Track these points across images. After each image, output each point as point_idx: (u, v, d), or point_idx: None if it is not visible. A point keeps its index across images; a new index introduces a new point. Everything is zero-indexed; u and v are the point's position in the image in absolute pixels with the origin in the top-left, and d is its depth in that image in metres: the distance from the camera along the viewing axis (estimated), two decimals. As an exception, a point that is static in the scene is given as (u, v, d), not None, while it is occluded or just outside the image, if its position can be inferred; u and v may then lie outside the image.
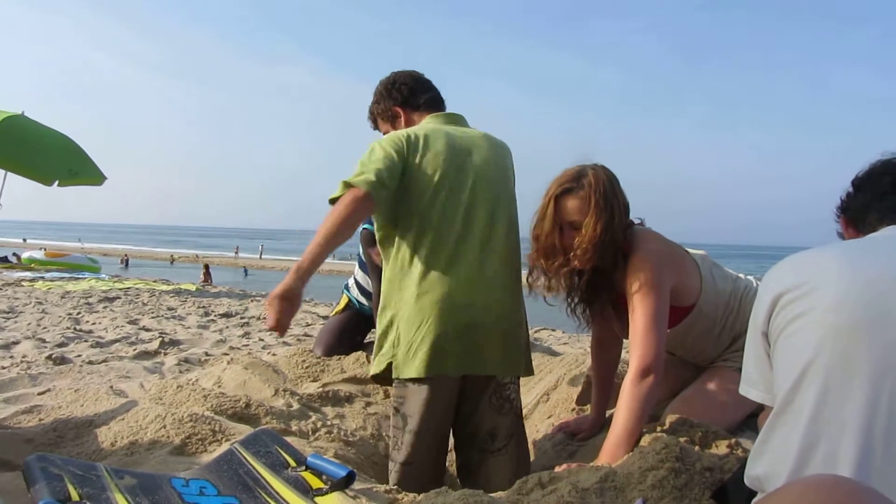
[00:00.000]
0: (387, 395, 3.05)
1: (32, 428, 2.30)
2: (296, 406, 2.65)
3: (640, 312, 1.91)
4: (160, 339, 4.72)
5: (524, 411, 2.86)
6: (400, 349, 2.09)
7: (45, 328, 5.09)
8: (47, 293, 7.55)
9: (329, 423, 2.59)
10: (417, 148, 2.16)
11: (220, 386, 2.87)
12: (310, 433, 2.44)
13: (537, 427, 2.71)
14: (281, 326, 1.96)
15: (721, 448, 1.76)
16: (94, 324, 5.52)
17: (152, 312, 6.42)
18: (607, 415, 2.44)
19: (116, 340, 4.70)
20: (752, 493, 1.22)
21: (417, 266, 2.10)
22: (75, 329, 5.11)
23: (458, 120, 2.39)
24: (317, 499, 1.69)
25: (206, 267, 27.02)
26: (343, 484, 1.71)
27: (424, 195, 2.12)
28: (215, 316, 6.42)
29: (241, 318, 6.43)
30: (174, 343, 4.73)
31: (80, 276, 10.84)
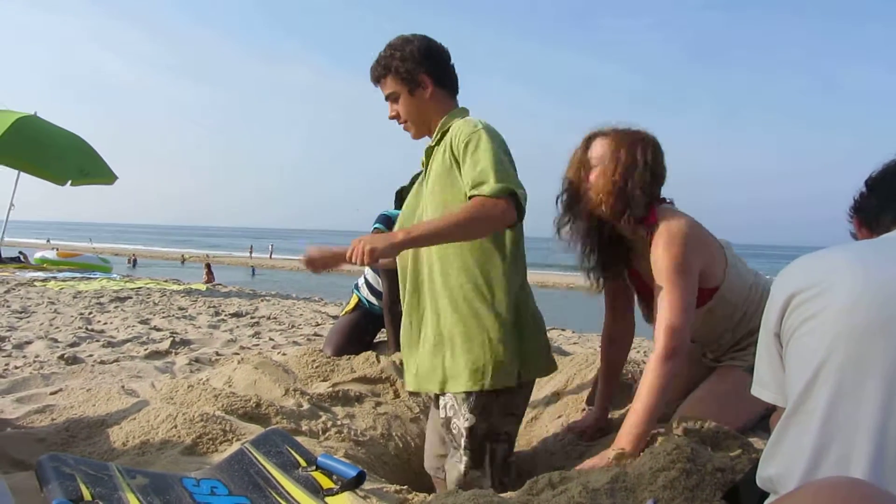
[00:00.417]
0: (396, 396, 3.06)
1: (45, 427, 2.31)
2: (306, 406, 2.66)
3: (667, 293, 1.89)
4: (171, 338, 4.74)
5: (534, 411, 2.86)
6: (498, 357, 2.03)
7: (57, 328, 5.12)
8: (59, 293, 7.59)
9: (339, 422, 2.59)
10: (509, 152, 2.08)
11: (230, 386, 2.88)
12: (320, 433, 2.45)
13: (547, 427, 2.70)
14: (319, 264, 2.12)
15: (733, 449, 1.75)
16: (105, 323, 5.55)
17: (163, 312, 6.45)
18: (617, 415, 2.43)
19: (128, 340, 4.72)
20: (765, 495, 1.21)
21: (520, 282, 2.13)
22: (87, 329, 5.14)
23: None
24: (327, 499, 1.70)
25: (209, 266, 27.10)
26: (353, 484, 1.71)
27: None
28: (226, 315, 6.44)
29: (252, 317, 6.45)
30: (185, 343, 4.75)
31: (92, 275, 10.90)
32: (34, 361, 3.79)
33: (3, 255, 11.92)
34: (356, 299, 3.80)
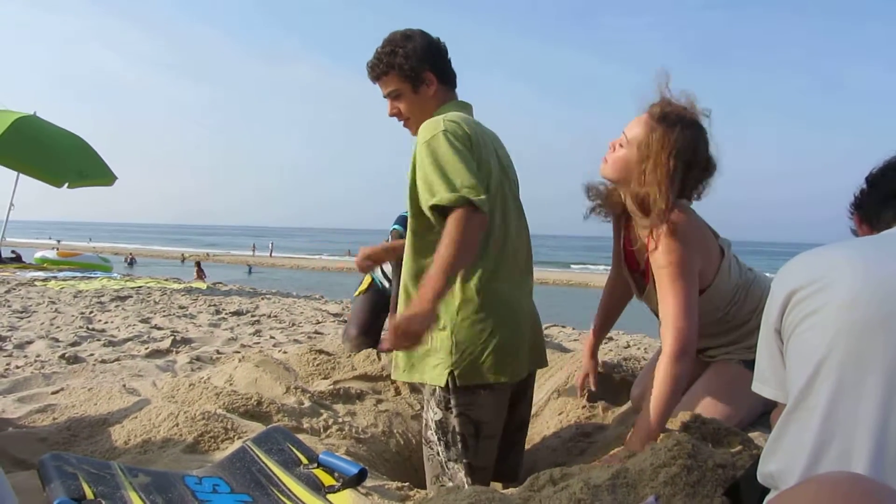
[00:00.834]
0: (397, 393, 3.06)
1: (46, 427, 2.32)
2: (307, 403, 2.66)
3: (672, 293, 1.89)
4: (172, 337, 4.74)
5: (535, 408, 2.86)
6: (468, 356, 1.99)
7: (58, 327, 5.13)
8: (60, 292, 7.59)
9: (340, 420, 2.60)
10: (478, 147, 2.02)
11: (231, 384, 2.89)
12: (321, 430, 2.45)
13: (547, 423, 2.70)
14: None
15: (733, 445, 1.75)
16: (106, 323, 5.56)
17: (164, 311, 6.46)
18: (617, 412, 2.43)
19: (129, 339, 4.73)
20: (765, 490, 1.22)
21: (482, 271, 2.02)
22: (88, 328, 5.14)
23: (470, 108, 2.25)
24: (329, 496, 1.70)
25: (198, 264, 27.04)
26: (355, 481, 1.72)
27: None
28: (226, 314, 6.45)
29: (252, 316, 6.46)
30: (186, 341, 4.75)
31: (93, 275, 10.90)
32: (35, 361, 3.80)
33: (2, 255, 11.92)
34: (369, 279, 3.79)
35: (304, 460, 1.87)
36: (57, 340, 4.52)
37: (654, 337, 5.36)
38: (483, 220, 1.85)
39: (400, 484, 1.94)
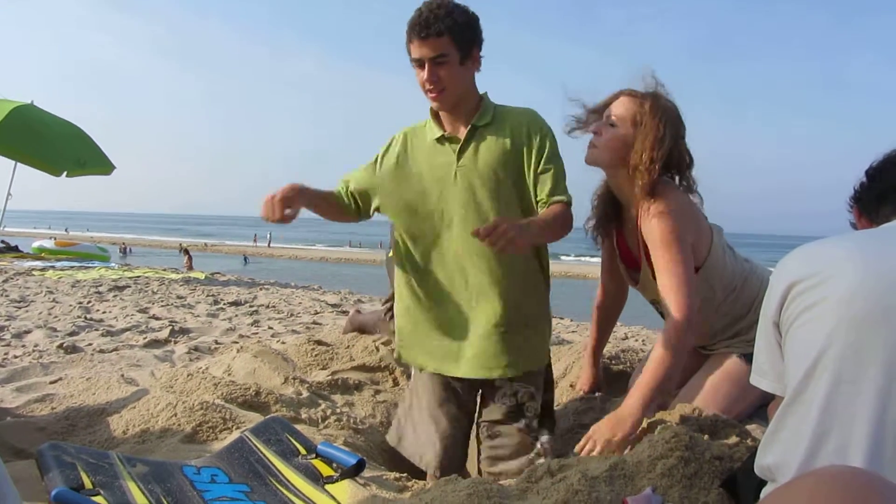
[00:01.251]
0: (395, 384, 3.06)
1: (45, 416, 2.32)
2: (305, 394, 2.67)
3: (668, 268, 1.90)
4: (170, 327, 4.75)
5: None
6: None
7: (56, 317, 5.13)
8: (58, 282, 7.59)
9: (338, 410, 2.60)
10: None
11: (230, 374, 2.89)
12: (319, 421, 2.46)
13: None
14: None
15: (731, 437, 1.76)
16: (104, 312, 5.56)
17: (162, 301, 6.46)
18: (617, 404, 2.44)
19: (127, 329, 4.73)
20: (762, 483, 1.22)
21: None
22: (86, 318, 5.14)
23: None
24: (327, 486, 1.71)
25: (188, 252, 26.78)
26: (353, 472, 1.72)
27: None
28: (224, 304, 6.45)
29: (251, 306, 6.46)
30: (184, 331, 4.75)
31: (90, 264, 10.90)
32: (33, 350, 3.80)
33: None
34: None
35: (303, 451, 1.87)
36: (55, 330, 4.52)
37: (652, 328, 5.37)
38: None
39: (398, 474, 1.94)
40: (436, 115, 2.16)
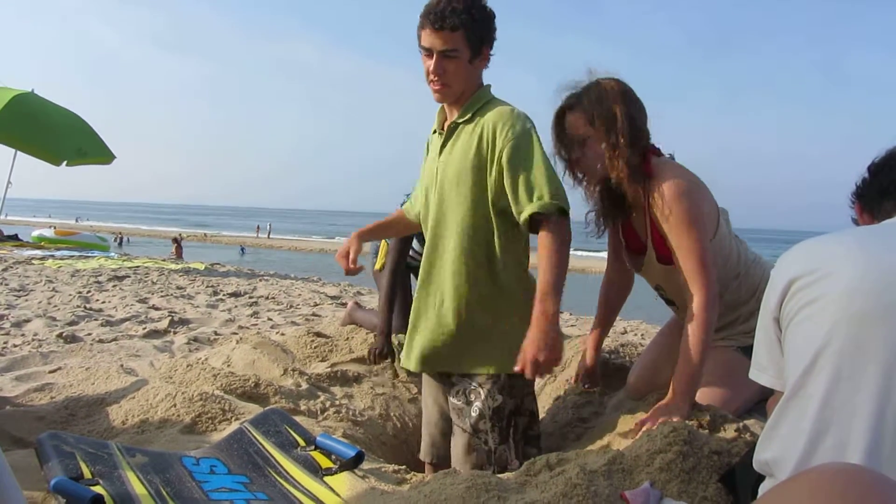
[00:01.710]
0: (395, 376, 3.06)
1: (44, 406, 2.32)
2: (304, 386, 2.67)
3: (688, 247, 1.91)
4: (170, 318, 4.75)
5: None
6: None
7: (55, 306, 5.13)
8: (57, 271, 7.59)
9: (337, 402, 2.60)
10: None
11: (229, 365, 2.89)
12: (318, 413, 2.46)
13: (544, 408, 2.71)
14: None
15: (729, 432, 1.76)
16: (103, 302, 5.56)
17: (161, 291, 6.45)
18: (614, 400, 2.44)
19: (126, 319, 4.73)
20: (761, 478, 1.22)
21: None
22: (85, 307, 5.15)
23: None
24: (326, 478, 1.71)
25: (176, 241, 26.55)
26: (352, 464, 1.72)
27: None
28: (224, 295, 6.45)
29: (250, 297, 6.46)
30: (183, 322, 4.75)
31: (90, 254, 10.89)
32: (33, 340, 3.80)
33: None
34: (387, 249, 3.51)
35: (302, 442, 1.87)
36: (54, 319, 4.52)
37: (651, 323, 5.37)
38: (570, 232, 1.96)
39: (397, 467, 1.94)
40: (440, 109, 2.15)
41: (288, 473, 1.74)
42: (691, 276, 1.90)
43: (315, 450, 1.82)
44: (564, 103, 2.04)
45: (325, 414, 2.47)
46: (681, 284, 1.98)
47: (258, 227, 59.57)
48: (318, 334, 3.47)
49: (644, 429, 1.79)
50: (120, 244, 36.85)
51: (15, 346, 3.62)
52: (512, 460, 2.04)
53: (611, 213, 2.17)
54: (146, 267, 8.78)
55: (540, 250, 1.94)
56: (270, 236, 55.31)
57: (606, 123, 1.95)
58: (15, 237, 12.65)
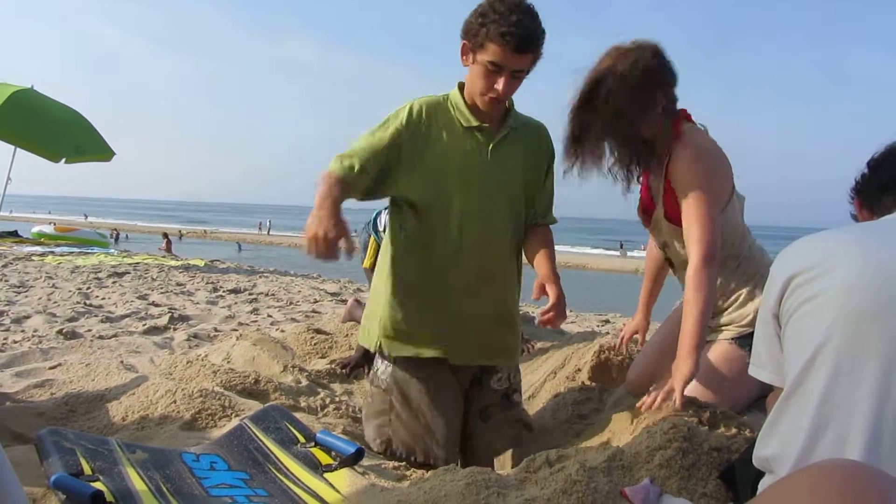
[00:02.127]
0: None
1: (44, 402, 2.32)
2: (304, 382, 2.67)
3: (694, 204, 1.95)
4: (169, 314, 4.75)
5: (531, 390, 2.88)
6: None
7: (55, 302, 5.13)
8: (57, 268, 7.59)
9: (337, 399, 2.61)
10: None
11: (229, 362, 2.89)
12: (318, 409, 2.46)
13: (544, 405, 2.72)
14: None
15: (729, 429, 1.76)
16: (103, 299, 5.56)
17: (161, 288, 6.45)
18: (612, 398, 2.45)
19: (126, 315, 4.73)
20: (760, 474, 1.22)
21: None
22: (85, 304, 5.15)
23: None
24: (326, 475, 1.71)
25: (166, 235, 26.35)
26: (352, 460, 1.72)
27: None
28: (224, 292, 6.45)
29: (250, 294, 6.46)
30: (183, 318, 4.75)
31: (90, 250, 10.88)
32: (33, 336, 3.80)
33: None
34: (376, 246, 3.46)
35: (302, 439, 1.87)
36: (54, 315, 4.52)
37: (651, 321, 5.38)
38: None
39: (396, 464, 1.95)
40: (469, 104, 2.10)
41: (288, 470, 1.74)
42: (694, 234, 1.94)
43: (315, 446, 1.83)
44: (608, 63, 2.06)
45: (325, 410, 2.47)
46: (682, 245, 2.05)
47: (260, 224, 59.60)
48: (318, 331, 3.47)
49: (654, 399, 1.87)
50: (116, 240, 36.70)
51: (15, 342, 3.62)
52: None
53: (645, 160, 2.18)
54: (146, 263, 8.78)
55: (545, 244, 2.18)
56: (270, 233, 55.31)
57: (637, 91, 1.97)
58: (14, 233, 12.65)
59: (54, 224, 16.90)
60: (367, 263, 3.54)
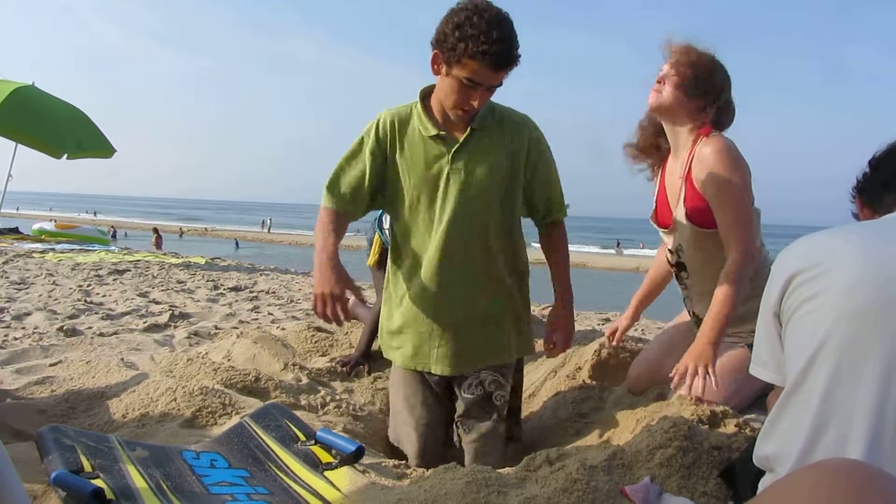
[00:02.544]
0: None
1: (45, 399, 2.32)
2: (305, 380, 2.67)
3: (730, 206, 1.97)
4: (170, 312, 4.74)
5: (531, 388, 2.88)
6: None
7: (56, 300, 5.13)
8: (58, 265, 7.58)
9: (338, 397, 2.60)
10: None
11: (229, 359, 2.89)
12: (318, 407, 2.46)
13: (544, 404, 2.72)
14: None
15: (729, 427, 1.76)
16: (104, 296, 5.55)
17: (162, 285, 6.45)
18: (614, 394, 2.44)
19: (127, 313, 4.73)
20: (760, 473, 1.22)
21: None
22: (86, 301, 5.14)
23: None
24: (326, 473, 1.71)
25: (156, 230, 26.17)
26: (352, 458, 1.72)
27: None
28: (224, 289, 6.44)
29: (251, 292, 6.46)
30: (184, 316, 4.75)
31: (90, 248, 10.88)
32: (33, 333, 3.80)
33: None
34: (380, 244, 3.42)
35: (302, 437, 1.87)
36: (55, 313, 4.52)
37: (652, 319, 5.37)
38: None
39: (397, 462, 1.95)
40: (427, 109, 2.10)
41: (288, 468, 1.74)
42: (732, 231, 1.96)
43: (315, 444, 1.83)
44: (689, 45, 2.10)
45: (326, 409, 2.47)
46: (698, 248, 2.10)
47: (263, 222, 59.70)
48: (319, 329, 3.47)
49: (674, 382, 1.90)
50: (114, 237, 36.55)
51: (15, 339, 3.61)
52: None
53: (654, 154, 2.26)
54: (147, 261, 8.78)
55: (555, 252, 2.28)
56: (270, 231, 55.32)
57: (699, 77, 2.04)
58: (15, 230, 12.65)
59: (55, 221, 16.90)
60: (371, 261, 3.54)
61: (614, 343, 2.67)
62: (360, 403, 2.66)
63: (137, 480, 1.55)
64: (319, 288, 1.94)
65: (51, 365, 2.86)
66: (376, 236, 3.46)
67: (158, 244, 21.70)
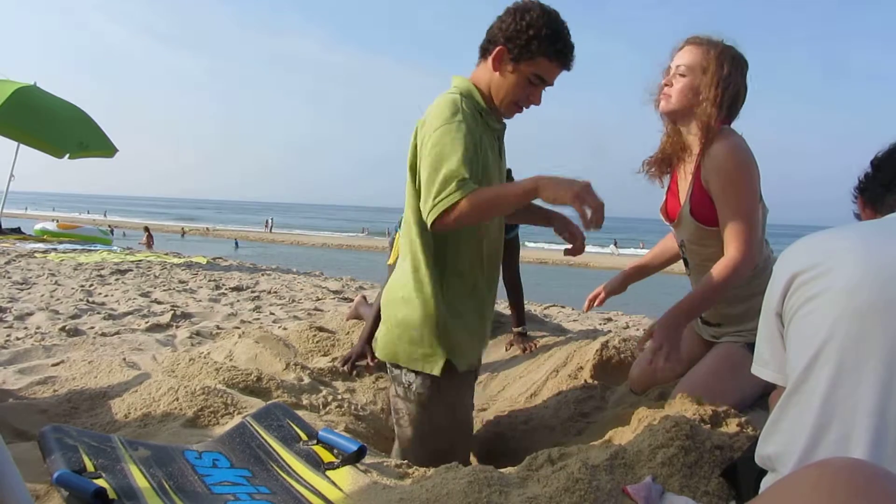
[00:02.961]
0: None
1: (47, 399, 2.33)
2: (306, 380, 2.67)
3: (732, 205, 1.96)
4: (172, 311, 4.75)
5: (533, 388, 2.88)
6: None
7: (58, 300, 5.14)
8: (60, 265, 7.60)
9: (339, 397, 2.61)
10: None
11: (231, 359, 2.89)
12: (320, 407, 2.46)
13: (545, 403, 2.72)
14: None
15: (731, 427, 1.76)
16: (106, 296, 5.56)
17: (164, 285, 6.46)
18: (615, 395, 2.44)
19: (129, 313, 4.74)
20: (762, 472, 1.22)
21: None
22: (88, 301, 5.15)
23: None
24: (328, 472, 1.71)
25: (147, 229, 26.04)
26: (354, 458, 1.72)
27: None
28: (226, 289, 6.45)
29: (252, 291, 6.46)
30: (186, 316, 4.76)
31: (92, 247, 10.89)
32: (36, 333, 3.81)
33: (1, 226, 11.91)
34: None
35: (304, 436, 1.87)
36: (57, 313, 4.53)
37: (653, 317, 5.38)
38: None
39: (399, 461, 1.95)
40: (491, 105, 2.05)
41: (290, 467, 1.74)
42: (734, 230, 1.94)
43: (317, 444, 1.82)
44: (695, 37, 2.09)
45: (328, 408, 2.47)
46: (700, 245, 2.09)
47: (266, 222, 59.75)
48: (321, 329, 3.48)
49: (646, 350, 1.92)
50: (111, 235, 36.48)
51: (18, 339, 3.62)
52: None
53: (670, 160, 2.21)
54: (148, 261, 8.79)
55: None
56: (272, 230, 55.34)
57: (718, 74, 2.01)
58: (18, 230, 12.66)
59: (57, 221, 16.92)
60: (391, 260, 3.56)
61: (584, 308, 2.54)
62: (362, 403, 2.66)
63: (140, 480, 1.55)
64: (573, 187, 1.72)
65: (53, 365, 2.87)
66: (397, 236, 3.48)
67: (149, 244, 21.63)
